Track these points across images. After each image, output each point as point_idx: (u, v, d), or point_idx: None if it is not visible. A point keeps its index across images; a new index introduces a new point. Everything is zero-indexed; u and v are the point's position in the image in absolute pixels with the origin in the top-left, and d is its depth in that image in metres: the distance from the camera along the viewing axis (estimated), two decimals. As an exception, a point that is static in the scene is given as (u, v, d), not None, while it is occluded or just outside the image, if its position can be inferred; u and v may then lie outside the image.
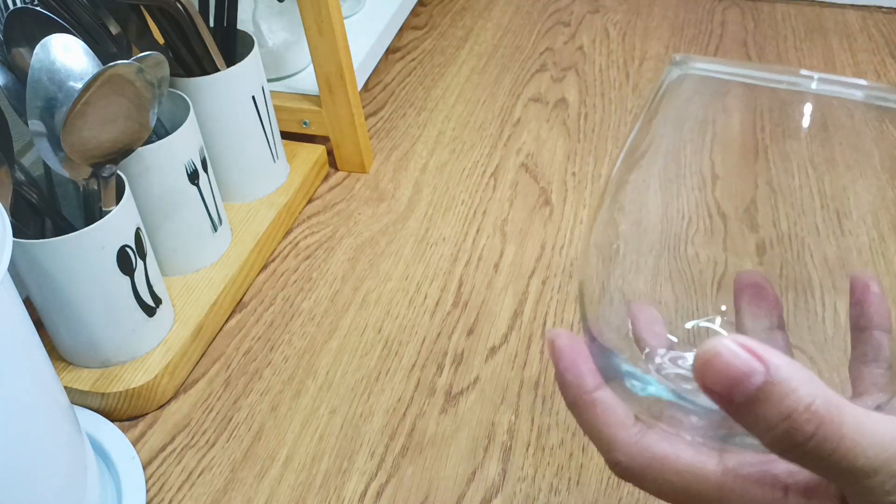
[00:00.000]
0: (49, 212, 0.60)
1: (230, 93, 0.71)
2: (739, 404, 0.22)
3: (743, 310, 0.28)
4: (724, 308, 0.28)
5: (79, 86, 0.53)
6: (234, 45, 0.74)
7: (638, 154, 0.27)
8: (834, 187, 0.25)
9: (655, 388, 0.26)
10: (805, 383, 0.21)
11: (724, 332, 0.27)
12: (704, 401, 0.23)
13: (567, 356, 0.28)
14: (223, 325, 0.70)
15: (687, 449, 0.26)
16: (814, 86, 0.24)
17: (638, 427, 0.27)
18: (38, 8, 0.57)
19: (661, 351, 0.28)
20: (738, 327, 0.28)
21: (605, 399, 0.27)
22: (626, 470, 0.26)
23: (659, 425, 0.26)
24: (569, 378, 0.28)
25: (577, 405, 0.28)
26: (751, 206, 0.26)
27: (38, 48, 0.54)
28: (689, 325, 0.28)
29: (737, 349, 0.21)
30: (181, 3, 0.66)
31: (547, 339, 0.25)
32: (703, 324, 0.28)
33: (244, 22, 0.80)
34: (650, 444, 0.26)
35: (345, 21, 0.78)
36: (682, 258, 0.27)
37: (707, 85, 0.26)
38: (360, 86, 0.83)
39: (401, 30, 1.06)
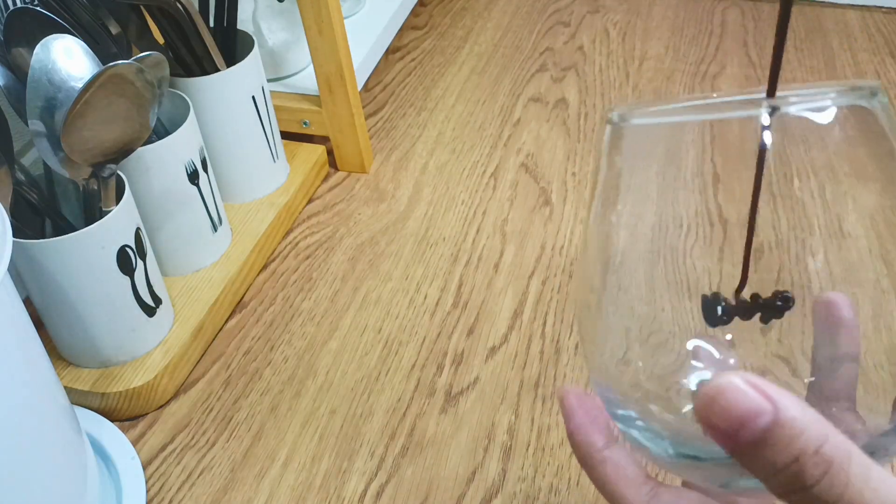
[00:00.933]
0: (49, 212, 0.60)
1: (230, 93, 0.71)
2: (745, 445, 0.21)
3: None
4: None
5: (79, 86, 0.53)
6: (234, 45, 0.74)
7: (609, 196, 0.27)
8: (834, 192, 0.25)
9: (656, 448, 0.26)
10: (814, 424, 0.20)
11: (716, 353, 0.27)
12: (706, 452, 0.22)
13: (577, 415, 0.28)
14: (223, 325, 0.70)
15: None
16: (764, 112, 0.23)
17: (649, 486, 0.27)
18: (38, 8, 0.57)
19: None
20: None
21: (616, 457, 0.27)
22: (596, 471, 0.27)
23: (668, 470, 0.26)
24: (578, 438, 0.28)
25: (588, 464, 0.28)
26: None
27: (38, 48, 0.54)
28: (690, 344, 0.27)
29: (744, 387, 0.20)
30: (181, 3, 0.66)
31: (557, 397, 0.25)
32: (705, 345, 0.27)
33: (244, 22, 0.80)
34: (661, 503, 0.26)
35: (345, 21, 0.78)
36: (681, 269, 0.26)
37: (656, 133, 0.26)
38: (360, 86, 0.83)
39: (401, 30, 1.06)
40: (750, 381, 0.20)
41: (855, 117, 0.24)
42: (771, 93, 0.25)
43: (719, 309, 0.25)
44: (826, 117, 0.24)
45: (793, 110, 0.23)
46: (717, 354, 0.26)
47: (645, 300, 0.26)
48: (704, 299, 0.25)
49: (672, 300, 0.26)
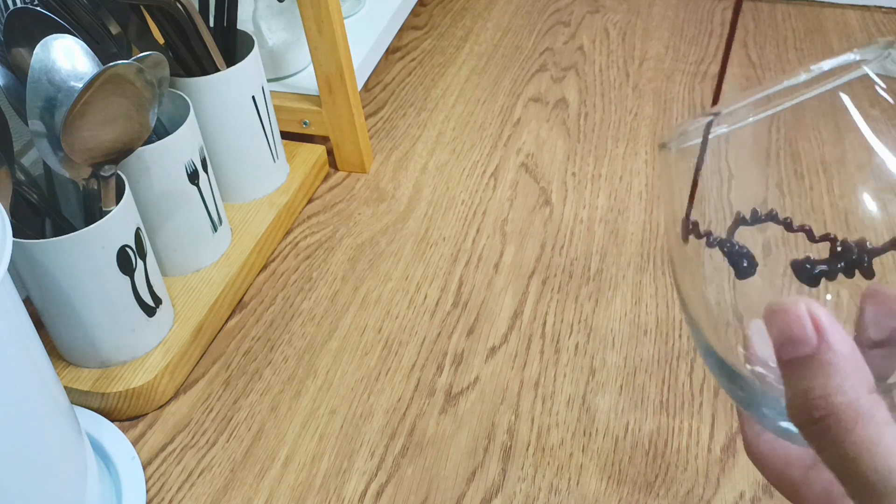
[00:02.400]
0: (49, 212, 0.60)
1: (230, 93, 0.71)
2: (783, 361, 0.23)
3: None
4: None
5: (79, 86, 0.53)
6: (234, 45, 0.74)
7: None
8: (843, 187, 0.25)
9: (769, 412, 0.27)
10: (841, 375, 0.22)
11: None
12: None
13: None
14: (223, 325, 0.70)
15: (780, 452, 0.30)
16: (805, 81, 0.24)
17: (759, 426, 0.31)
18: (38, 8, 0.57)
19: None
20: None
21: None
22: (749, 455, 0.32)
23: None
24: None
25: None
26: (761, 207, 0.26)
27: (38, 48, 0.54)
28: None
29: (804, 313, 0.22)
30: (181, 3, 0.66)
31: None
32: None
33: (244, 22, 0.80)
34: (760, 442, 0.31)
35: (345, 21, 0.78)
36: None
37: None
38: (360, 86, 0.83)
39: (401, 30, 1.06)
40: (813, 310, 0.22)
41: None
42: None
43: (809, 267, 0.26)
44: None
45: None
46: None
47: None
48: (794, 263, 0.26)
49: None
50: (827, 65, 0.24)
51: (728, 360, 0.27)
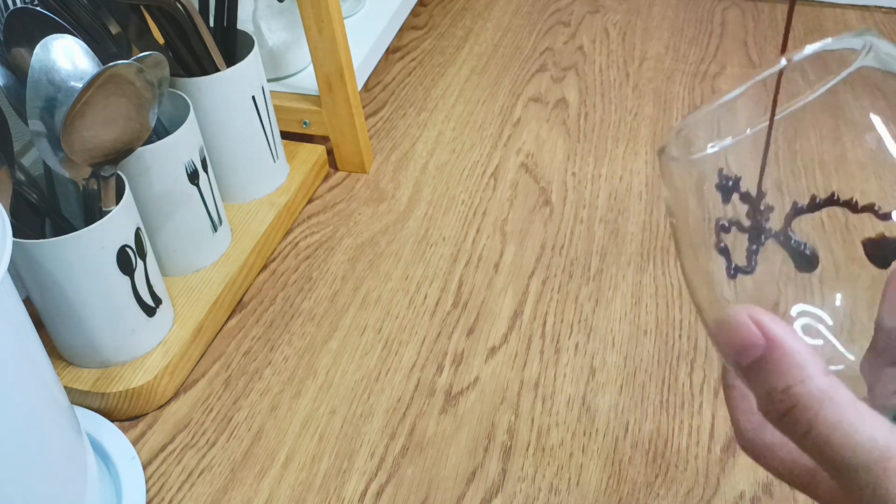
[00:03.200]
0: (49, 212, 0.60)
1: (230, 93, 0.71)
2: (743, 369, 0.24)
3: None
4: None
5: (79, 86, 0.53)
6: (234, 45, 0.74)
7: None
8: (843, 186, 0.25)
9: None
10: (795, 367, 0.23)
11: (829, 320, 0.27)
12: None
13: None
14: (223, 325, 0.70)
15: (786, 444, 0.29)
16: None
17: (759, 417, 0.29)
18: (38, 8, 0.57)
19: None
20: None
21: (741, 387, 0.31)
22: (744, 449, 0.31)
23: None
24: (725, 365, 0.31)
25: (724, 388, 0.32)
26: (765, 206, 0.26)
27: (38, 48, 0.54)
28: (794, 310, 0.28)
29: (745, 321, 0.23)
30: (181, 3, 0.66)
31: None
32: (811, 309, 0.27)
33: (244, 22, 0.80)
34: (761, 435, 0.30)
35: (345, 21, 0.78)
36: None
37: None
38: (360, 86, 0.83)
39: (401, 30, 1.06)
40: (753, 315, 0.23)
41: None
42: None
43: (885, 244, 0.26)
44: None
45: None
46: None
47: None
48: (866, 243, 0.26)
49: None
50: (809, 49, 0.24)
51: None
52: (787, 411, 0.23)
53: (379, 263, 0.74)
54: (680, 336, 0.65)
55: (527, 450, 0.58)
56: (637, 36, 1.03)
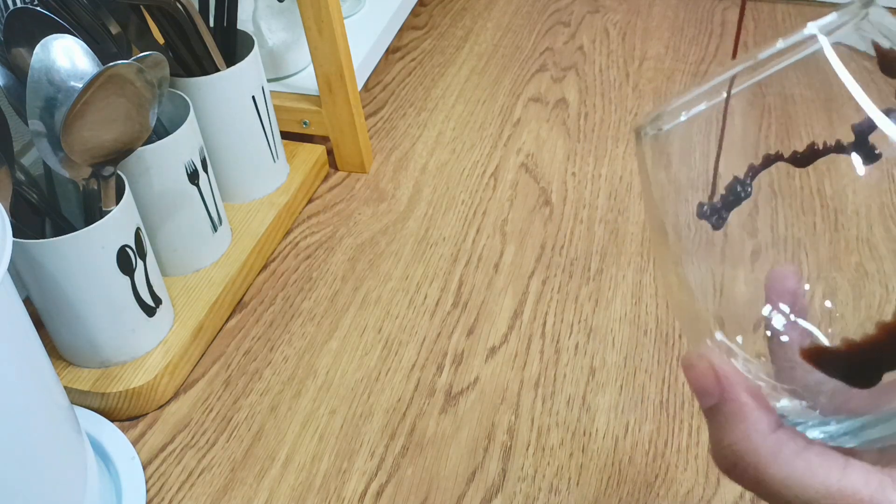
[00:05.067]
0: (49, 212, 0.60)
1: (230, 93, 0.71)
2: (703, 410, 0.25)
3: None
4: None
5: (79, 86, 0.53)
6: (234, 45, 0.74)
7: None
8: (834, 187, 0.25)
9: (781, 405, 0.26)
10: (744, 422, 0.24)
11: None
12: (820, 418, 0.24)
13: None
14: (223, 325, 0.70)
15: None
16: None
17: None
18: (38, 8, 0.57)
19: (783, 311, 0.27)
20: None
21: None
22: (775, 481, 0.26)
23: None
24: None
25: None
26: (752, 211, 0.26)
27: (38, 48, 0.54)
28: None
29: (706, 369, 0.24)
30: (181, 3, 0.66)
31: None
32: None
33: (244, 22, 0.80)
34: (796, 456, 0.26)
35: (345, 21, 0.78)
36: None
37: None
38: (360, 86, 0.83)
39: (401, 30, 1.06)
40: (715, 365, 0.24)
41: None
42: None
43: None
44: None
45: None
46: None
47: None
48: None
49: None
50: (781, 44, 0.24)
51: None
52: (733, 465, 0.24)
53: (379, 263, 0.74)
54: (680, 336, 0.65)
55: (527, 450, 0.58)
56: (637, 36, 1.03)
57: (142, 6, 0.66)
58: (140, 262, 0.61)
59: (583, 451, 0.58)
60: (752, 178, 0.26)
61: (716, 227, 0.26)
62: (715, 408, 0.24)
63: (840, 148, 0.25)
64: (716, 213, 0.26)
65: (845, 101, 0.24)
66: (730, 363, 0.24)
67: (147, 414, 0.63)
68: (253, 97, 0.73)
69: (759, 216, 0.26)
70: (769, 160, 0.26)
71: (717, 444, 0.24)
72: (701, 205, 0.26)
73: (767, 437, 0.23)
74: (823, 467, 0.23)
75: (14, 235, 0.50)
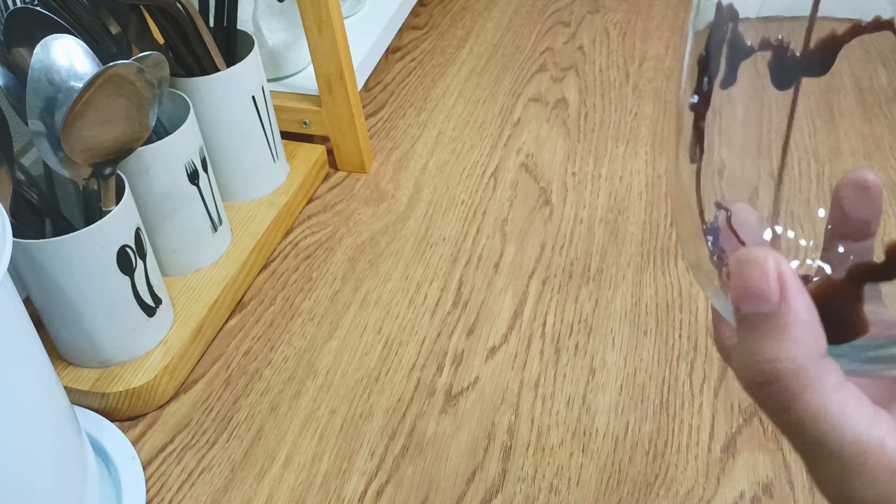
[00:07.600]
0: (49, 212, 0.60)
1: (230, 93, 0.71)
2: (740, 314, 0.22)
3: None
4: None
5: (79, 86, 0.53)
6: (234, 45, 0.74)
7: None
8: (835, 173, 0.25)
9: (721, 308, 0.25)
10: (793, 341, 0.21)
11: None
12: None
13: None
14: (223, 325, 0.70)
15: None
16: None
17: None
18: (38, 8, 0.57)
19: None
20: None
21: None
22: (719, 351, 0.26)
23: None
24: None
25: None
26: (752, 195, 0.26)
27: (38, 48, 0.54)
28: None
29: (771, 270, 0.21)
30: (181, 3, 0.66)
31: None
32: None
33: (244, 22, 0.80)
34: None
35: (345, 21, 0.78)
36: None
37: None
38: (360, 86, 0.83)
39: (401, 30, 1.06)
40: (781, 267, 0.21)
41: None
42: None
43: None
44: None
45: None
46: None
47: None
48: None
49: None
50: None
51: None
52: (765, 384, 0.21)
53: (379, 263, 0.74)
54: (680, 336, 0.65)
55: (527, 450, 0.58)
56: (637, 36, 1.03)
57: (142, 6, 0.66)
58: (140, 262, 0.61)
59: (583, 451, 0.58)
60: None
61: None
62: (764, 316, 0.21)
63: None
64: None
65: None
66: (794, 270, 0.21)
67: (147, 414, 0.63)
68: (253, 97, 0.73)
69: (758, 201, 0.26)
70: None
71: (753, 355, 0.21)
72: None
73: (814, 363, 0.21)
74: (858, 410, 0.21)
75: (14, 235, 0.50)
